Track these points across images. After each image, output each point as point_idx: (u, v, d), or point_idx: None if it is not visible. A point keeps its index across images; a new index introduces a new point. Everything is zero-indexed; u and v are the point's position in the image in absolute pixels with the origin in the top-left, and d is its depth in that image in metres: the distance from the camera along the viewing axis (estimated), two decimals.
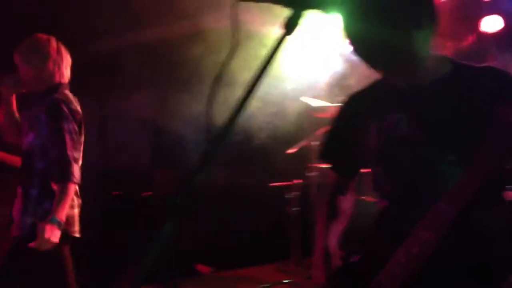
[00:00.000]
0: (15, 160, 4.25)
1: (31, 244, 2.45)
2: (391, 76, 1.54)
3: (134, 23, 5.73)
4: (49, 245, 2.46)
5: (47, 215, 2.48)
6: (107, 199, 5.87)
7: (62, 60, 2.73)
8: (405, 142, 1.47)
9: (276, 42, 1.10)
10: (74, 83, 2.82)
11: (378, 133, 1.53)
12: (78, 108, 2.69)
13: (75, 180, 2.57)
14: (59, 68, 2.70)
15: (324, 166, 4.24)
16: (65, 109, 2.60)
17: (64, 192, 2.52)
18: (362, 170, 1.72)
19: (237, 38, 1.11)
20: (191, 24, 4.94)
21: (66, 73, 2.75)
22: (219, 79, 1.09)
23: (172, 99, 4.91)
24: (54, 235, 2.46)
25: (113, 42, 5.97)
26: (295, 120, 4.73)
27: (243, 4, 1.11)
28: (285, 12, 1.13)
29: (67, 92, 2.71)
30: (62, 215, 2.50)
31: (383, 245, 1.48)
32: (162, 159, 5.46)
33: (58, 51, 2.71)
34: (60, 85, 2.69)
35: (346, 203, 1.74)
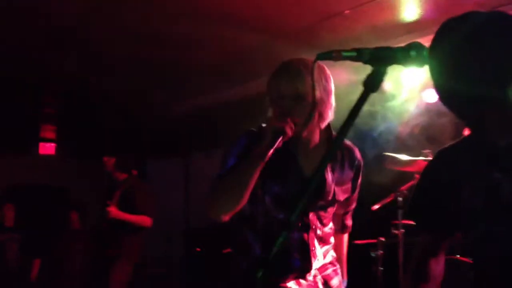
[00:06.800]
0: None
1: None
2: (486, 132, 1.39)
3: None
4: None
5: None
6: (190, 256, 5.91)
7: None
8: (507, 206, 1.32)
9: (358, 100, 1.07)
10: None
11: (475, 193, 1.38)
12: None
13: None
14: None
15: (411, 223, 4.06)
16: None
17: None
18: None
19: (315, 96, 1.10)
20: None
21: None
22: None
23: None
24: None
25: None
26: (378, 175, 4.58)
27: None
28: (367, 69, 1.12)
29: None
30: None
31: None
32: None
33: None
34: None
35: (438, 267, 1.56)
